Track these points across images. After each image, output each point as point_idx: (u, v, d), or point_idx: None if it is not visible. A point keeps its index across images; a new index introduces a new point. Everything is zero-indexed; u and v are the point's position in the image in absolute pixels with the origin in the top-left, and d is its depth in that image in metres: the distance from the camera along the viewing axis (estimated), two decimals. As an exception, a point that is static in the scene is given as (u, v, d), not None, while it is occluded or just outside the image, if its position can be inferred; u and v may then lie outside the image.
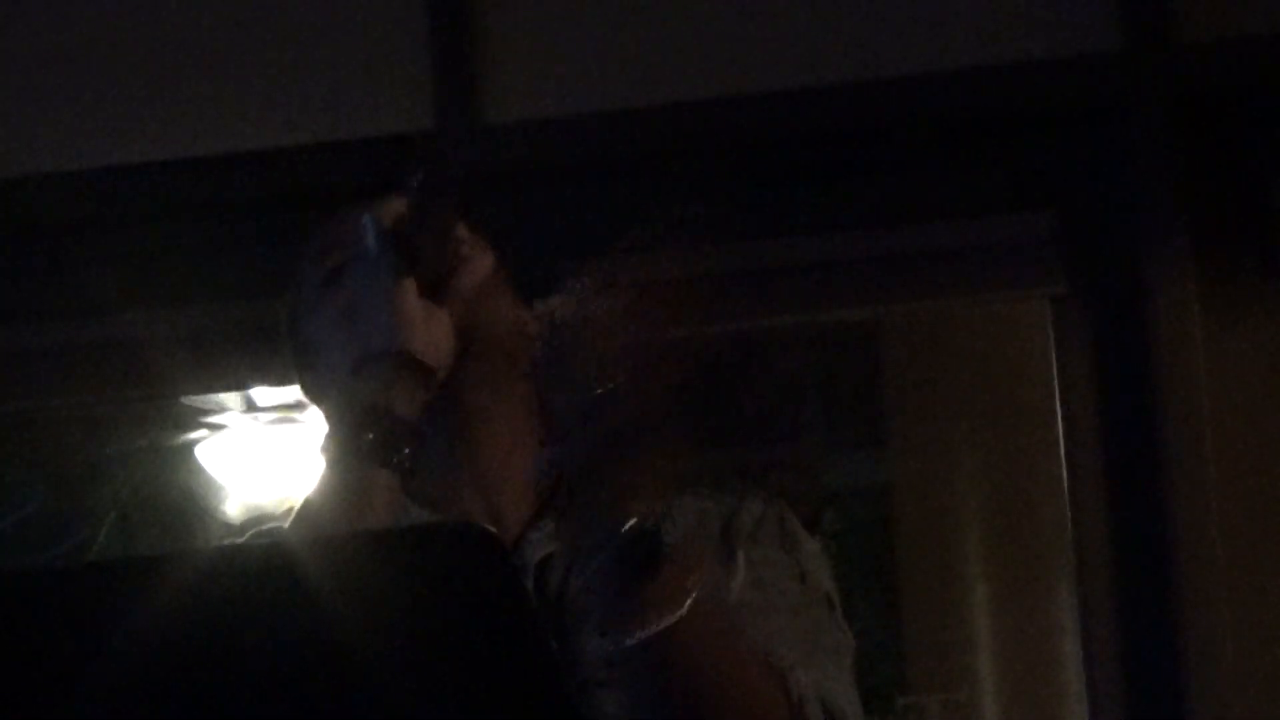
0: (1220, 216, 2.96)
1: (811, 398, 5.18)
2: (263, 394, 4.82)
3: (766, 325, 3.39)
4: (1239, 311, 2.96)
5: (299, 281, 1.89)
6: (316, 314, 1.84)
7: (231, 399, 4.84)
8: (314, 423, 4.87)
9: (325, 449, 1.75)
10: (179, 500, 5.66)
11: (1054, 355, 3.04)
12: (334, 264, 1.82)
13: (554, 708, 1.28)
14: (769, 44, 3.04)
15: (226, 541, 5.17)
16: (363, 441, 1.72)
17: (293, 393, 4.81)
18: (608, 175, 3.01)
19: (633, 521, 1.59)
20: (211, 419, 4.92)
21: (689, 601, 1.58)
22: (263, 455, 5.01)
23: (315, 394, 1.89)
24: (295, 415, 4.87)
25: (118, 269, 3.11)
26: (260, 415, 4.91)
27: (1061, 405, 3.02)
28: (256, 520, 5.02)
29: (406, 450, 1.72)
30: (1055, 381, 3.04)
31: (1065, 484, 3.01)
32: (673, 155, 3.05)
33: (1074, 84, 2.99)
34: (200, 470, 5.23)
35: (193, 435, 5.14)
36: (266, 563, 1.30)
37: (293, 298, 1.90)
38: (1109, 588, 2.95)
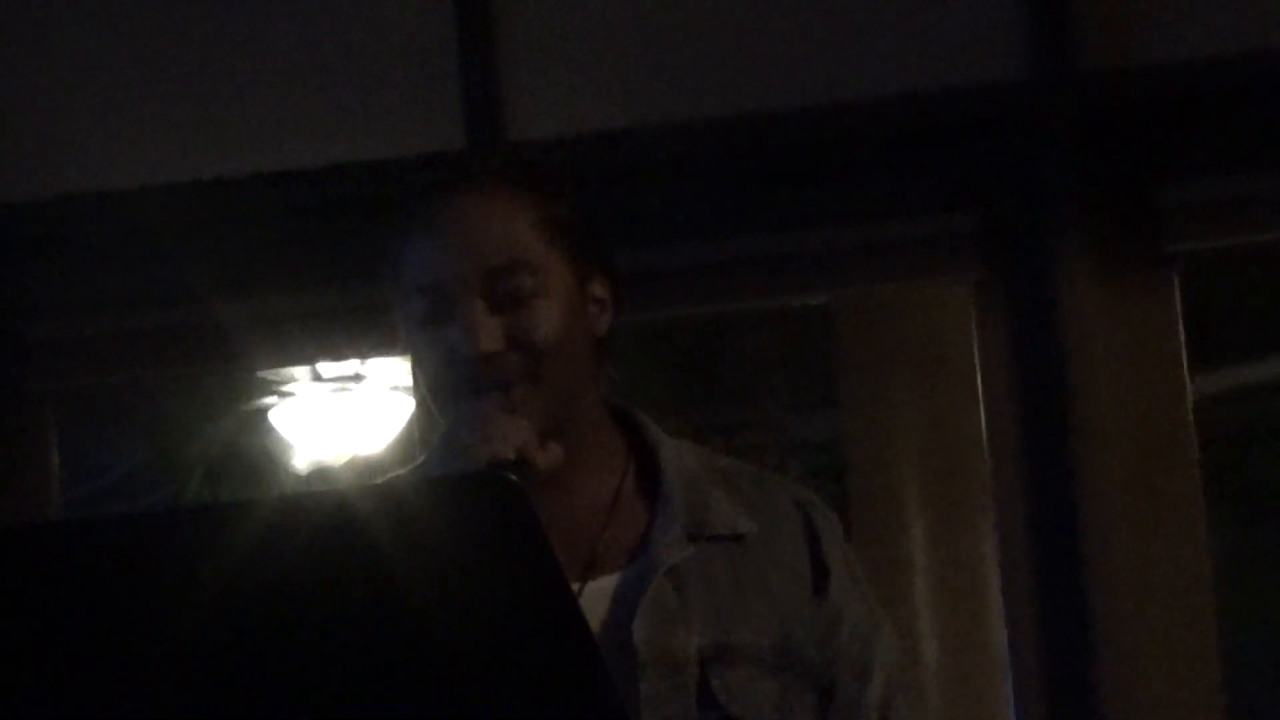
0: (1114, 216, 3.11)
1: (776, 367, 5.29)
2: (326, 367, 4.96)
3: (739, 308, 3.58)
4: (1130, 293, 3.10)
5: (391, 283, 1.78)
6: (409, 329, 1.76)
7: (299, 371, 4.93)
8: (369, 391, 5.17)
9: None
10: (256, 456, 5.77)
11: (975, 331, 3.19)
12: (415, 313, 1.75)
13: (569, 634, 1.31)
14: (741, 75, 3.17)
15: (294, 489, 5.30)
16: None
17: (351, 366, 4.94)
18: (619, 188, 3.06)
19: None
20: (283, 387, 5.03)
21: None
22: (326, 418, 5.13)
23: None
24: (352, 385, 5.02)
25: (205, 264, 3.23)
26: (324, 385, 5.05)
27: (982, 372, 3.17)
28: (320, 473, 5.26)
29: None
30: (976, 352, 3.18)
31: (985, 437, 3.17)
32: (670, 168, 3.19)
33: (991, 106, 3.13)
34: (273, 431, 5.39)
35: (266, 401, 5.27)
36: (323, 508, 1.31)
37: (389, 290, 1.79)
38: (1022, 522, 3.11)
